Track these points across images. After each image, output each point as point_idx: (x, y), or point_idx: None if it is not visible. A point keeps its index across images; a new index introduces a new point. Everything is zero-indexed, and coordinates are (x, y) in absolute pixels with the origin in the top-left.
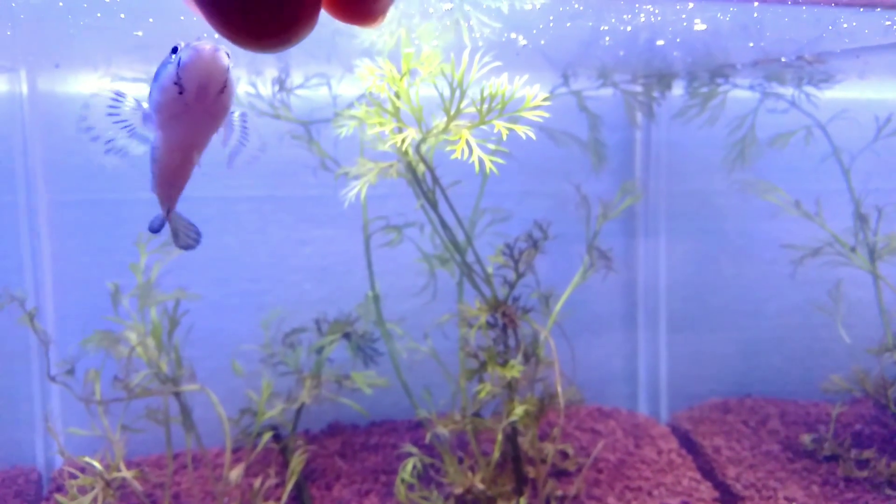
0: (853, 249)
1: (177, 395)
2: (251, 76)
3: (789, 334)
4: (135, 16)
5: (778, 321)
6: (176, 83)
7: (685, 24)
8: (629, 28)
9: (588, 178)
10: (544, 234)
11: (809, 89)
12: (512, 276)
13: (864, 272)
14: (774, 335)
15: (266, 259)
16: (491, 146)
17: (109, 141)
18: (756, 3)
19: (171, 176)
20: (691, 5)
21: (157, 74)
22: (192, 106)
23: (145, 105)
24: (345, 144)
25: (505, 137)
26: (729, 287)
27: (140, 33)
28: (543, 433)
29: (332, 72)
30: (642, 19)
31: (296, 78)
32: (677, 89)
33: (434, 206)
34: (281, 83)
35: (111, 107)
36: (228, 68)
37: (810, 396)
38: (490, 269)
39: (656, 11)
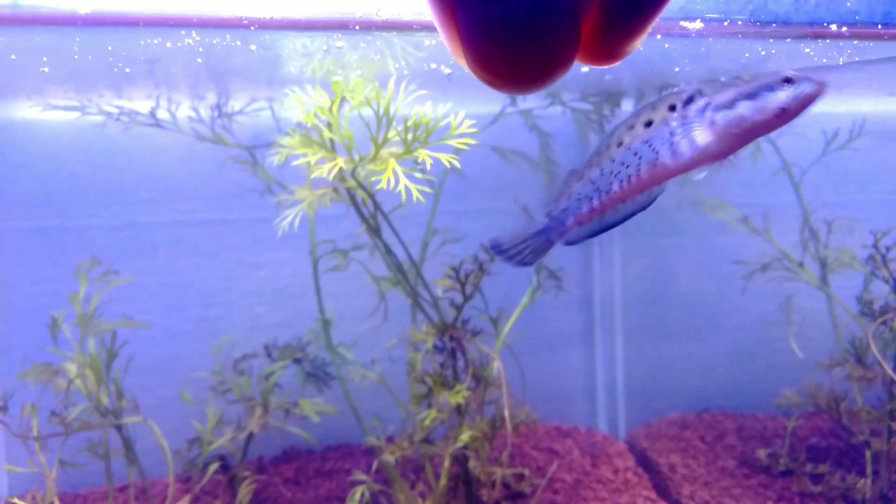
0: (801, 265)
1: (118, 427)
2: (193, 101)
3: (748, 348)
4: (30, 56)
5: (737, 335)
6: (783, 108)
7: None
8: None
9: (542, 196)
10: (490, 256)
11: None
12: (460, 298)
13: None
14: (733, 349)
15: (219, 283)
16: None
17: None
18: (659, 37)
19: (662, 180)
20: None
21: (753, 94)
22: (772, 127)
23: (708, 115)
24: (291, 167)
25: (429, 167)
26: (687, 302)
27: (46, 69)
28: (499, 455)
29: (275, 95)
30: None
31: (240, 101)
32: (627, 106)
33: (377, 231)
34: (220, 109)
35: (689, 99)
36: None
37: (769, 410)
38: (441, 293)
39: None
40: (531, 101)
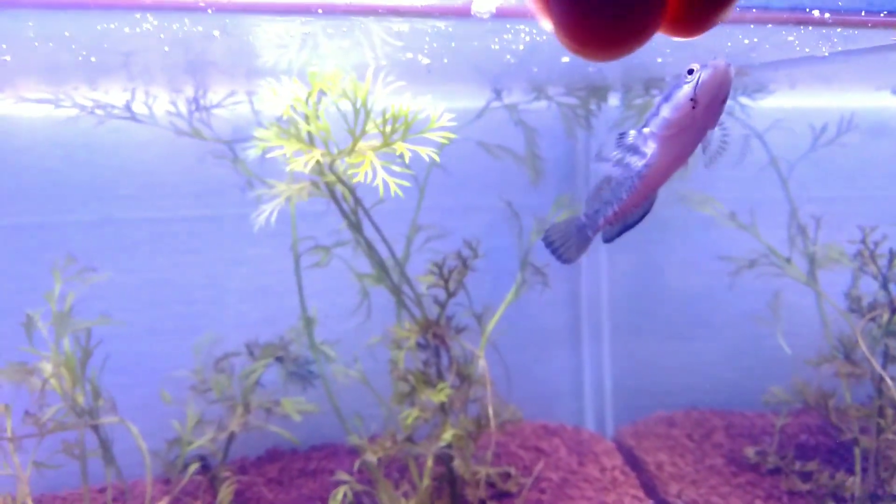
0: (788, 260)
1: (95, 427)
2: (171, 94)
3: (737, 344)
4: None
5: (725, 331)
6: (692, 99)
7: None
8: (521, 47)
9: (530, 192)
10: (474, 252)
11: (744, 100)
12: (443, 295)
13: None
14: (722, 345)
15: (201, 280)
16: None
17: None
18: None
19: (652, 188)
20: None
21: (668, 96)
22: (700, 118)
23: (645, 130)
24: (274, 162)
25: (407, 160)
26: (674, 298)
27: (8, 58)
28: (485, 454)
29: (254, 88)
30: (527, 40)
31: (219, 94)
32: (613, 100)
33: (357, 226)
34: (196, 102)
35: (619, 138)
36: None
37: (758, 407)
38: (425, 289)
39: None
40: (516, 95)
